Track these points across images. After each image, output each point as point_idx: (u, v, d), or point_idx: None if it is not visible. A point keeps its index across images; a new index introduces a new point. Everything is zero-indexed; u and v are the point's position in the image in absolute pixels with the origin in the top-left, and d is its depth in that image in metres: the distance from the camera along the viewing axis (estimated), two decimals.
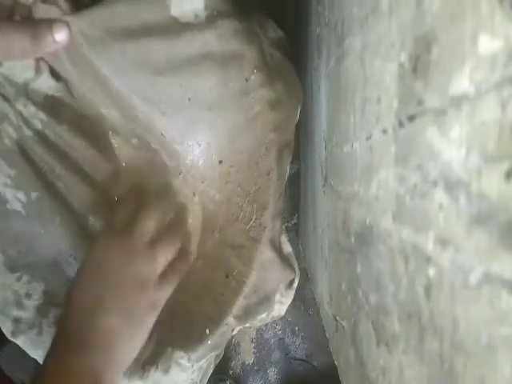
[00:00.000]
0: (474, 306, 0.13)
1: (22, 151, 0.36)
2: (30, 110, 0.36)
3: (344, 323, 0.34)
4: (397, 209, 0.19)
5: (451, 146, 0.14)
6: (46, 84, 0.35)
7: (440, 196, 0.15)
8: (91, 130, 0.38)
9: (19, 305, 0.37)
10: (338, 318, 0.37)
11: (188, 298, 0.41)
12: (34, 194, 0.37)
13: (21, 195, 0.37)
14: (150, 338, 0.40)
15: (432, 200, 0.15)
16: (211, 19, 0.33)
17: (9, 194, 0.36)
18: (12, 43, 0.28)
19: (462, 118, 0.13)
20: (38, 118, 0.36)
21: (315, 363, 0.81)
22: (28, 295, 0.38)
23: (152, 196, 0.37)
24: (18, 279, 0.37)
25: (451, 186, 0.14)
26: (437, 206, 0.15)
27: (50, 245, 0.38)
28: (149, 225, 0.33)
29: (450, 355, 0.15)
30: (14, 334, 0.38)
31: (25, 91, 0.35)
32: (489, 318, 0.12)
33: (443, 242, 0.15)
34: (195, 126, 0.38)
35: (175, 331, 0.40)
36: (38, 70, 0.34)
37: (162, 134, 0.40)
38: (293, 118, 0.41)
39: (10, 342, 0.38)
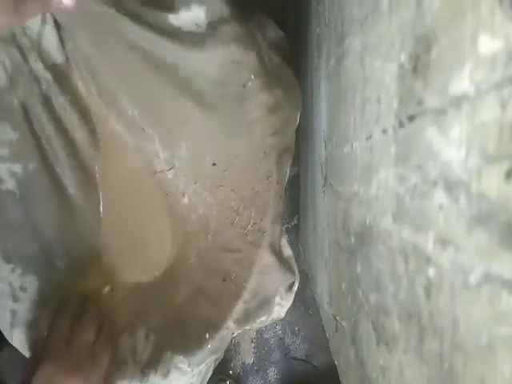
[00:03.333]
0: (474, 306, 0.13)
1: (27, 116, 0.36)
2: (39, 67, 0.36)
3: (344, 323, 0.34)
4: (397, 209, 0.19)
5: (451, 145, 0.14)
6: (53, 41, 0.36)
7: (440, 196, 0.15)
8: (90, 111, 0.39)
9: (15, 298, 0.37)
10: (338, 317, 0.37)
11: (183, 301, 0.41)
12: (31, 166, 0.37)
13: (17, 168, 0.37)
14: (147, 340, 0.40)
15: (432, 200, 0.15)
16: (212, 25, 0.34)
17: (3, 170, 0.36)
18: (25, 4, 0.28)
19: (461, 118, 0.13)
20: (45, 79, 0.37)
21: (315, 363, 0.81)
22: (23, 288, 0.38)
23: (82, 307, 0.40)
24: (12, 271, 0.37)
25: (451, 185, 0.14)
26: (437, 206, 0.15)
27: (40, 235, 0.38)
28: (86, 336, 0.37)
29: (450, 355, 0.15)
30: (12, 325, 0.38)
31: (38, 48, 0.36)
32: (489, 318, 0.12)
33: (443, 242, 0.15)
34: (188, 124, 0.38)
35: (174, 335, 0.39)
36: (43, 21, 0.35)
37: (157, 126, 0.40)
38: (292, 122, 0.41)
39: (9, 343, 0.38)
